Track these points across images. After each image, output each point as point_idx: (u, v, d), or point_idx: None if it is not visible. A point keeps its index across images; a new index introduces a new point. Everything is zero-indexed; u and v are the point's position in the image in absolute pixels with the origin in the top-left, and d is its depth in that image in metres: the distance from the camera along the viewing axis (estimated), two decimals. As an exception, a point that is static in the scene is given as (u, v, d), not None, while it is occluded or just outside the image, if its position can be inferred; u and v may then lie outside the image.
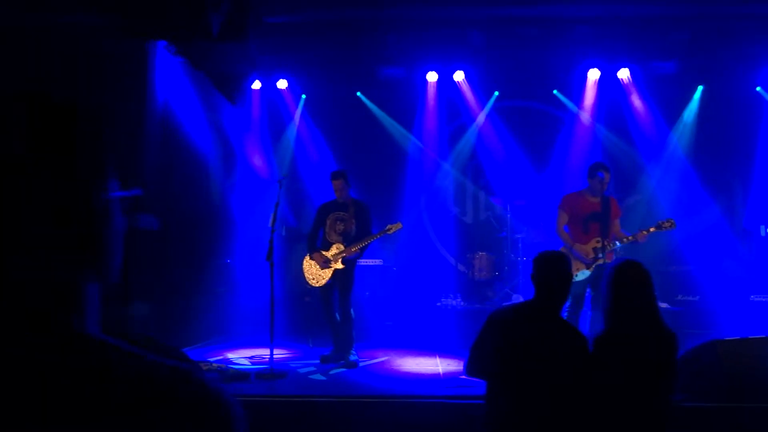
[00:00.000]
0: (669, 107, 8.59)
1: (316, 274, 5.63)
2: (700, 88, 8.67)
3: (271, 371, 4.85)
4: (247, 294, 7.16)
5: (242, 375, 4.89)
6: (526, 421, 2.71)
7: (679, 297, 7.27)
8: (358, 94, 8.75)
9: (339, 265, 5.57)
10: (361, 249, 5.62)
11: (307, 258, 5.79)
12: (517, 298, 7.05)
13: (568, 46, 8.08)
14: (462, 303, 7.43)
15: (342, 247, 5.64)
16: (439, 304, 7.39)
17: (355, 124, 8.58)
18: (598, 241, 5.45)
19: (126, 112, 5.90)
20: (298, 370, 5.33)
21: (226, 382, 4.64)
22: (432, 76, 8.47)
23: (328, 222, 5.78)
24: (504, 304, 7.00)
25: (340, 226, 5.74)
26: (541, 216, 7.52)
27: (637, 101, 8.43)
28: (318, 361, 5.58)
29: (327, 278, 5.59)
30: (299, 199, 8.48)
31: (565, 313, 5.56)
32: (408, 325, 6.82)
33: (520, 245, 7.35)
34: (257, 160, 8.61)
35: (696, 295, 7.30)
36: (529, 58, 8.16)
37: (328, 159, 8.36)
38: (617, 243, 5.44)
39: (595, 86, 8.48)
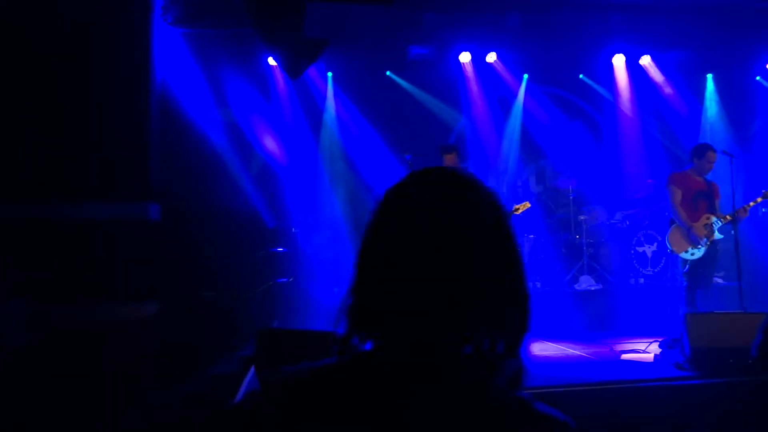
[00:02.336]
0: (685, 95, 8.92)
1: None
2: (710, 76, 9.06)
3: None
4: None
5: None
6: None
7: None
8: (388, 73, 8.35)
9: None
10: None
11: None
12: (587, 280, 6.96)
13: (595, 33, 8.18)
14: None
15: None
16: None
17: (391, 104, 8.20)
18: (708, 218, 5.48)
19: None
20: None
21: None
22: (465, 57, 8.26)
23: None
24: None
25: None
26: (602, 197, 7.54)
27: (667, 88, 8.65)
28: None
29: None
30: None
31: (683, 294, 5.57)
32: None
33: (584, 227, 7.23)
34: (269, 143, 7.98)
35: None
36: (558, 43, 8.18)
37: (374, 140, 7.91)
38: (720, 222, 5.48)
39: (625, 72, 8.62)
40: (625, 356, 5.06)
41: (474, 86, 8.31)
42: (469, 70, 8.32)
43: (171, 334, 4.71)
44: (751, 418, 3.85)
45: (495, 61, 8.37)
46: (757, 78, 9.07)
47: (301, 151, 7.96)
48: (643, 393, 4.07)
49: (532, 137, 8.37)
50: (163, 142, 5.17)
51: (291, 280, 6.74)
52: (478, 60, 8.33)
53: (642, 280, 7.12)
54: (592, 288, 6.86)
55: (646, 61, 8.72)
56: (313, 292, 6.90)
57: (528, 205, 5.32)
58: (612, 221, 7.21)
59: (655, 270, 7.18)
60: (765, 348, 2.78)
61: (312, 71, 8.02)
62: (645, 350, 5.13)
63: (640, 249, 7.16)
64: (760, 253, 7.07)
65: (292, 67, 6.69)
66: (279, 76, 8.01)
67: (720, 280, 6.73)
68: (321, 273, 6.96)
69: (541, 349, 5.53)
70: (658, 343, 5.10)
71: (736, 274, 5.27)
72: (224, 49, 7.56)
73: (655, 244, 7.18)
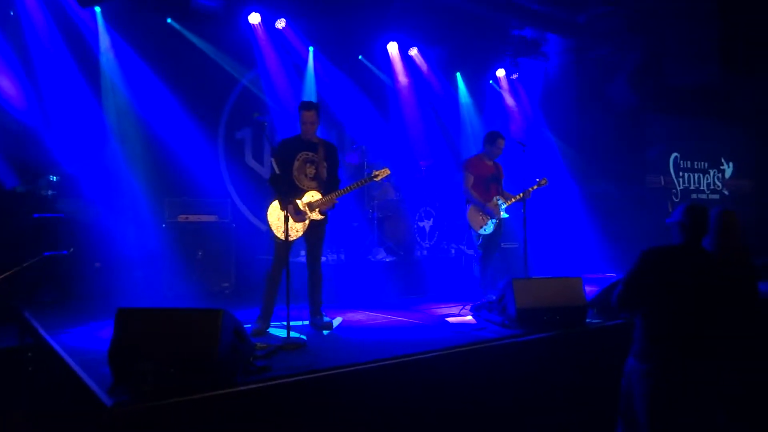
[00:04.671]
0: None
1: (290, 227, 4.72)
2: (458, 74, 10.27)
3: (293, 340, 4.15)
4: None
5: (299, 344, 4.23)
6: (688, 345, 3.11)
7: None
8: (169, 21, 7.41)
9: (317, 216, 4.87)
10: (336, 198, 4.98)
11: (277, 206, 4.82)
12: (379, 252, 7.28)
13: (381, 17, 8.60)
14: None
15: (318, 195, 4.94)
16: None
17: (173, 54, 7.31)
18: (497, 200, 6.29)
19: None
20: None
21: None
22: (255, 18, 7.82)
23: (296, 164, 4.93)
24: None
25: (311, 170, 4.97)
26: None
27: (431, 79, 9.53)
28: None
29: (301, 232, 4.85)
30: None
31: (478, 264, 6.25)
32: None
33: (375, 202, 7.48)
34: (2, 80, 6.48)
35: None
36: (343, 20, 8.35)
37: (160, 90, 6.93)
38: (504, 203, 6.33)
39: (399, 59, 9.20)
40: (449, 319, 5.48)
41: (267, 47, 7.91)
42: (260, 31, 7.88)
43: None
44: (573, 364, 4.60)
45: (284, 27, 8.10)
46: (490, 81, 10.65)
47: (67, 97, 6.56)
48: (485, 352, 4.50)
49: (328, 107, 8.36)
50: None
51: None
52: (268, 23, 7.96)
53: (426, 252, 7.79)
54: (387, 260, 7.24)
55: (413, 52, 9.47)
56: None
57: (388, 171, 5.19)
58: (396, 197, 7.68)
59: (431, 243, 7.92)
60: (622, 298, 3.33)
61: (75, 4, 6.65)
62: (459, 314, 5.66)
63: (421, 224, 7.81)
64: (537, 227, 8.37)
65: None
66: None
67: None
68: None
69: (368, 317, 5.65)
70: (469, 307, 5.68)
71: (523, 243, 6.13)
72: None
73: (432, 219, 7.93)
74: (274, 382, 3.42)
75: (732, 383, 3.20)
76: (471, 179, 6.29)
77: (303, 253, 5.45)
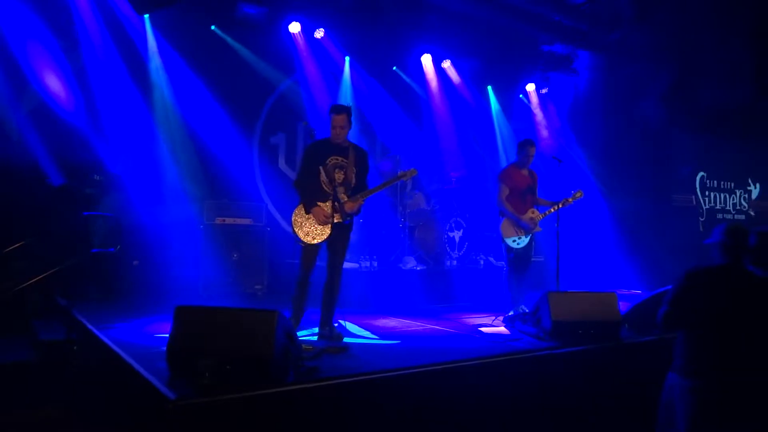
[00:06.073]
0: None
1: (314, 230, 4.85)
2: (490, 88, 10.38)
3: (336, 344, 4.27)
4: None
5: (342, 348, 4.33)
6: (732, 362, 3.19)
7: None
8: (213, 28, 7.63)
9: (342, 220, 4.85)
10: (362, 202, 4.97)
11: (301, 210, 4.86)
12: (410, 261, 7.40)
13: (415, 30, 8.76)
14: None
15: (345, 199, 4.91)
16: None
17: (216, 60, 7.52)
18: (533, 212, 6.31)
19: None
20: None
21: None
22: (295, 27, 8.02)
23: (325, 168, 4.89)
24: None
25: (340, 175, 4.89)
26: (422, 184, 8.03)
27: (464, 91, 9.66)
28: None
29: (326, 235, 4.84)
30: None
31: (509, 276, 6.30)
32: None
33: (407, 210, 7.60)
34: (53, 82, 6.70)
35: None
36: (379, 31, 8.53)
37: (204, 95, 7.15)
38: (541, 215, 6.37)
39: (433, 71, 9.35)
40: (483, 329, 5.57)
41: (305, 56, 8.10)
42: (300, 40, 8.07)
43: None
44: (607, 377, 4.67)
45: (322, 37, 8.28)
46: (520, 96, 10.76)
47: (116, 100, 6.78)
48: (521, 362, 4.58)
49: (363, 115, 8.53)
50: None
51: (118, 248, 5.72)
52: (307, 33, 8.15)
53: (455, 263, 7.89)
54: (418, 268, 7.35)
55: (446, 64, 9.61)
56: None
57: (415, 171, 5.20)
58: (428, 207, 7.79)
59: (460, 253, 8.02)
60: (668, 317, 3.41)
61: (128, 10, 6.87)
62: (492, 324, 5.74)
63: (451, 234, 7.91)
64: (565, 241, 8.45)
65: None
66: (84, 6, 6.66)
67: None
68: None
69: (401, 324, 5.75)
70: (501, 318, 5.77)
71: (554, 257, 6.18)
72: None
73: (462, 230, 8.02)
74: (323, 383, 3.54)
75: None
76: (506, 191, 6.26)
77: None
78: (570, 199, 6.26)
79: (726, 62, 9.32)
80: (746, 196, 11.76)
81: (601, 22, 9.96)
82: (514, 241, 6.22)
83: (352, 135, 5.12)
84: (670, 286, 3.49)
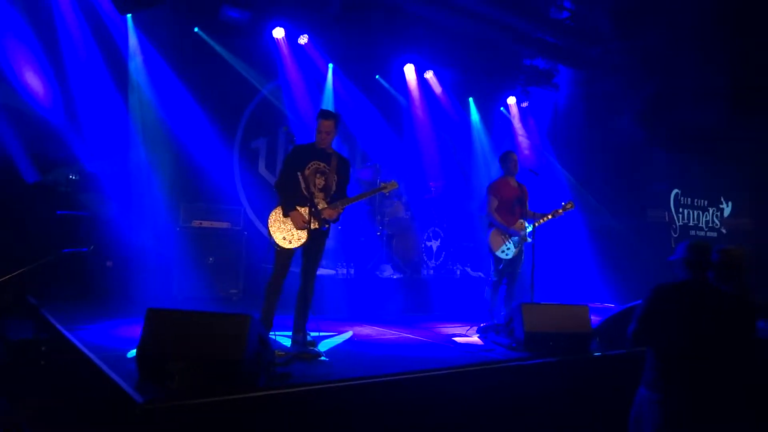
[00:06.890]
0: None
1: (290, 235, 4.81)
2: (471, 99, 10.47)
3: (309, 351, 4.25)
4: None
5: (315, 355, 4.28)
6: (699, 376, 3.23)
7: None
8: (196, 30, 7.60)
9: (318, 226, 4.81)
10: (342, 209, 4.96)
11: (279, 213, 4.84)
12: (387, 269, 7.41)
13: (399, 39, 8.81)
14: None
15: (324, 205, 4.89)
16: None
17: (198, 62, 7.49)
18: (521, 222, 6.33)
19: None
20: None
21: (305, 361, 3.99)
22: (279, 32, 8.03)
23: (306, 172, 4.85)
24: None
25: (320, 180, 4.86)
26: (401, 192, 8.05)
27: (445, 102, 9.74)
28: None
29: (303, 240, 4.81)
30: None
31: (490, 287, 6.32)
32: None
33: (386, 219, 7.62)
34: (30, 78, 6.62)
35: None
36: (363, 40, 8.56)
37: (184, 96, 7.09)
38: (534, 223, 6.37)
39: (415, 81, 9.41)
40: (457, 339, 5.59)
41: (289, 61, 8.10)
42: (283, 46, 8.08)
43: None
44: (578, 389, 4.72)
45: (306, 43, 8.29)
46: (501, 108, 10.87)
47: (94, 98, 6.71)
48: (493, 372, 4.61)
49: (344, 122, 8.52)
50: None
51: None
52: (291, 39, 8.16)
53: (432, 272, 7.92)
54: (395, 277, 7.36)
55: (429, 75, 9.68)
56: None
57: (396, 184, 5.17)
58: (406, 216, 7.81)
59: (437, 263, 8.06)
60: (638, 333, 3.45)
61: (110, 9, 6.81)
62: (466, 334, 5.77)
63: (428, 243, 7.95)
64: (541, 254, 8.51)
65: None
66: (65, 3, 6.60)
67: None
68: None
69: (376, 332, 5.75)
70: (475, 328, 5.80)
71: (530, 269, 6.22)
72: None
73: (439, 240, 8.07)
74: (294, 389, 3.53)
75: (741, 416, 3.31)
76: (495, 202, 6.26)
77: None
78: (560, 210, 6.30)
79: (703, 83, 9.52)
80: (718, 213, 11.99)
81: (582, 38, 10.12)
82: (503, 251, 6.21)
83: (333, 142, 5.13)
84: (640, 301, 3.55)
